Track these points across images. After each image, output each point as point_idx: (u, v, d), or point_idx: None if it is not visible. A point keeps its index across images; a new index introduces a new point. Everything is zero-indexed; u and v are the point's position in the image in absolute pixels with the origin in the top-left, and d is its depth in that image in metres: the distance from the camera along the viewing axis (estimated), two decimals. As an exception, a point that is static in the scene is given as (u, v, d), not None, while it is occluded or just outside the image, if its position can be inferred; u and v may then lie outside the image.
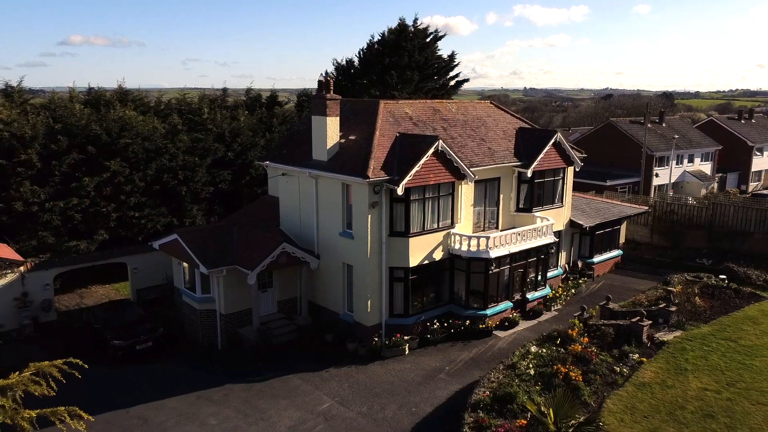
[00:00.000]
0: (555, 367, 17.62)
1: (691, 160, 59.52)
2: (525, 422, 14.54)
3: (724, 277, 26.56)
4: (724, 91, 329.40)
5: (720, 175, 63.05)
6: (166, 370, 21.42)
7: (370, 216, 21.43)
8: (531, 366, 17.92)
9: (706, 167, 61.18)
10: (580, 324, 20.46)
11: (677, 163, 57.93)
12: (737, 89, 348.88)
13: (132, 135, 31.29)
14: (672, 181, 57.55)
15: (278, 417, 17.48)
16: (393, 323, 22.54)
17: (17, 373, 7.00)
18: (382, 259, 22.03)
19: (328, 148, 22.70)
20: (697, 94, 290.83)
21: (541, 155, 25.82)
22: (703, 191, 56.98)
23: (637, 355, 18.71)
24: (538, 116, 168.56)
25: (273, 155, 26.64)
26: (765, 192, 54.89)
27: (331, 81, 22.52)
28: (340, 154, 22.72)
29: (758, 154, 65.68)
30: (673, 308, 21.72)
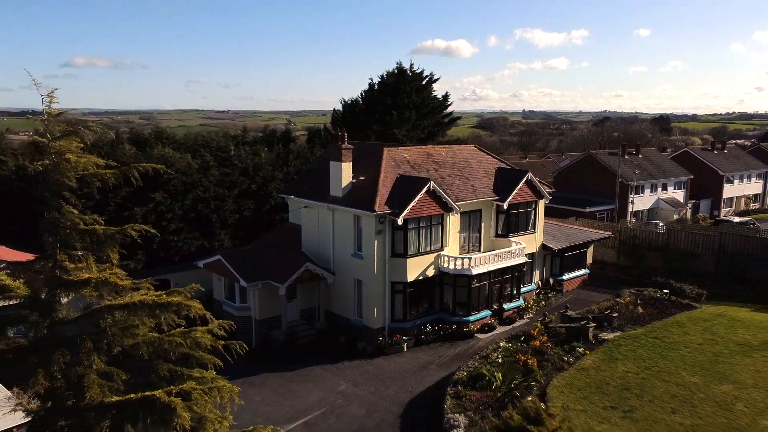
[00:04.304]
0: (517, 356, 23.12)
1: (664, 188, 65.15)
2: (490, 393, 20.02)
3: (668, 291, 32.03)
4: (721, 114, 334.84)
5: (693, 201, 68.69)
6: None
7: (376, 241, 27.07)
8: (500, 356, 23.45)
9: (680, 195, 66.85)
10: (542, 326, 25.98)
11: (651, 191, 63.70)
12: (734, 112, 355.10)
13: (172, 171, 37.01)
14: (647, 207, 63.32)
15: (307, 395, 22.97)
16: (394, 327, 28.05)
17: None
18: (386, 275, 27.62)
19: (342, 186, 28.44)
20: (694, 117, 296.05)
21: (515, 191, 31.47)
22: (675, 217, 62.61)
23: (582, 349, 24.18)
24: (534, 140, 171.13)
25: (295, 190, 32.33)
26: (729, 218, 60.38)
27: (345, 135, 28.31)
28: (352, 192, 28.43)
29: (729, 181, 71.52)
30: (616, 314, 27.26)
